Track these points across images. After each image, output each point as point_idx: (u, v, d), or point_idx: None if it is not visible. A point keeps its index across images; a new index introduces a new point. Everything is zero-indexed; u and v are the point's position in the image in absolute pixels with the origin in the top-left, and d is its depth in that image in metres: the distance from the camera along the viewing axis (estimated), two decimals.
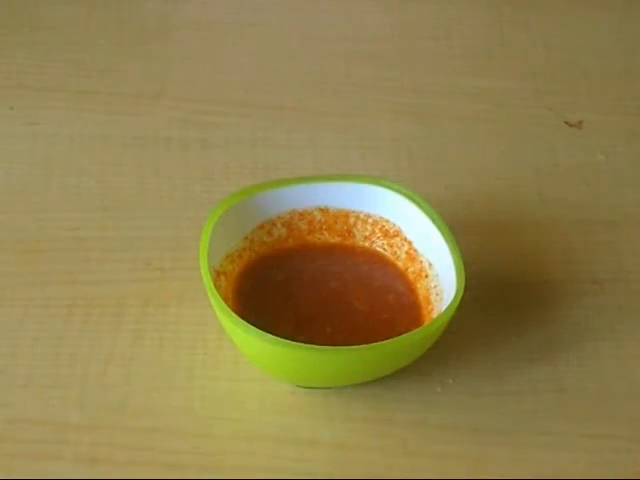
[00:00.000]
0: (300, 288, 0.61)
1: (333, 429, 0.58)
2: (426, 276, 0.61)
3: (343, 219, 0.63)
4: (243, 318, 0.54)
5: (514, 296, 0.65)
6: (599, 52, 0.83)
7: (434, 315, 0.58)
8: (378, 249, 0.63)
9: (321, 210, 0.63)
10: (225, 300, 0.56)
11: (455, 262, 0.58)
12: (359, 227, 0.64)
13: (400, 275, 0.62)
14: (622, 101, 0.79)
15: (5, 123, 0.74)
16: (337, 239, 0.64)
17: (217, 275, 0.59)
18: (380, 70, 0.80)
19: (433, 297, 0.60)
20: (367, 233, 0.64)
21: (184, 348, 0.61)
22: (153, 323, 0.62)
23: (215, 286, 0.56)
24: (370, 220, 0.63)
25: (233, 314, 0.55)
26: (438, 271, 0.60)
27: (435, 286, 0.60)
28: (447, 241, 0.59)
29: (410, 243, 0.62)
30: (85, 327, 0.62)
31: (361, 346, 0.54)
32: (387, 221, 0.63)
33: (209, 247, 0.57)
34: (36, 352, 0.60)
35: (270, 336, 0.54)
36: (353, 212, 0.63)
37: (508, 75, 0.81)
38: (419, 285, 0.61)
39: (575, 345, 0.63)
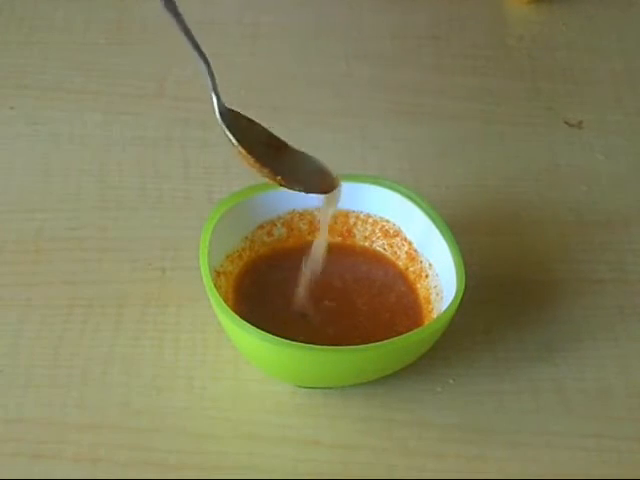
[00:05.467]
0: (300, 288, 0.61)
1: (333, 429, 0.58)
2: (426, 276, 0.61)
3: (343, 219, 0.63)
4: (243, 318, 0.54)
5: (514, 296, 0.65)
6: (599, 52, 0.83)
7: (434, 315, 0.58)
8: (378, 249, 0.63)
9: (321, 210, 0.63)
10: (225, 300, 0.56)
11: (455, 262, 0.58)
12: (359, 227, 0.64)
13: (400, 275, 0.62)
14: (622, 101, 0.79)
15: (5, 123, 0.74)
16: (337, 239, 0.64)
17: (217, 275, 0.59)
18: (380, 70, 0.80)
19: (433, 297, 0.60)
20: (367, 233, 0.64)
21: (184, 348, 0.61)
22: (153, 323, 0.62)
23: (215, 286, 0.56)
24: (370, 220, 0.63)
25: (233, 314, 0.55)
26: (438, 271, 0.60)
27: (435, 286, 0.60)
28: (447, 241, 0.59)
29: (410, 243, 0.62)
30: (85, 327, 0.62)
31: (361, 346, 0.54)
32: (387, 221, 0.63)
33: (209, 247, 0.57)
34: (36, 352, 0.60)
35: (270, 336, 0.54)
36: (353, 212, 0.63)
37: (508, 75, 0.81)
38: (419, 285, 0.61)
39: (575, 345, 0.63)
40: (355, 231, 0.64)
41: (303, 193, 0.57)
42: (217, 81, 0.61)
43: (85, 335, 0.61)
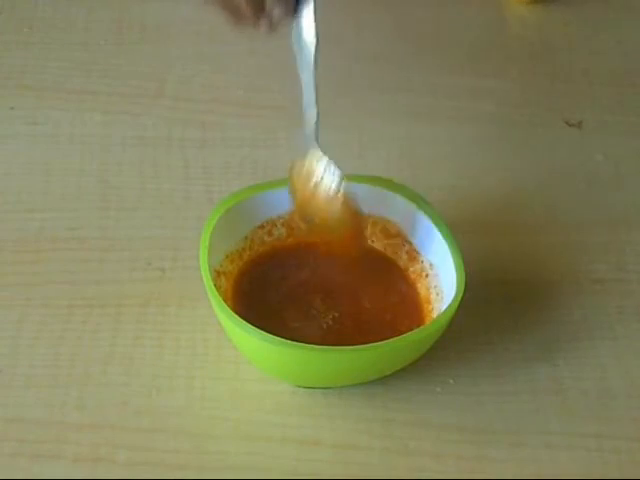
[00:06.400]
0: (300, 288, 0.61)
1: (333, 429, 0.58)
2: (426, 276, 0.61)
3: None
4: (243, 318, 0.54)
5: (514, 296, 0.65)
6: (599, 52, 0.83)
7: (434, 315, 0.58)
8: (378, 249, 0.63)
9: None
10: (225, 300, 0.56)
11: (455, 262, 0.58)
12: None
13: (401, 275, 0.62)
14: (622, 101, 0.79)
15: (5, 123, 0.74)
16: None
17: (217, 275, 0.59)
18: (380, 70, 0.80)
19: (433, 297, 0.60)
20: (367, 233, 0.63)
21: (184, 348, 0.61)
22: (153, 323, 0.62)
23: (215, 286, 0.56)
24: (370, 220, 0.63)
25: (233, 314, 0.55)
26: (438, 271, 0.60)
27: (435, 286, 0.60)
28: (447, 241, 0.59)
29: (410, 243, 0.62)
30: (85, 327, 0.62)
31: (361, 346, 0.54)
32: (387, 221, 0.63)
33: (209, 247, 0.57)
34: (36, 352, 0.60)
35: (270, 336, 0.54)
36: None
37: (508, 75, 0.81)
38: (419, 285, 0.61)
39: (575, 345, 0.63)
40: None
41: None
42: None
43: (85, 335, 0.61)
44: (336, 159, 0.72)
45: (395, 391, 0.60)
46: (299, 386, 0.59)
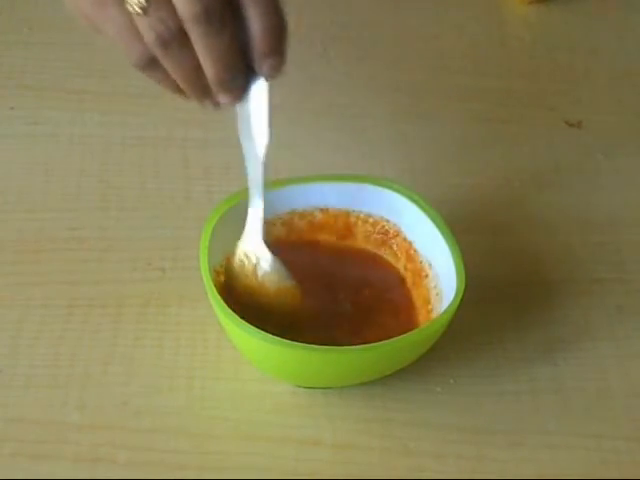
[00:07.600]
0: (300, 288, 0.61)
1: (333, 429, 0.58)
2: (426, 276, 0.61)
3: (343, 219, 0.63)
4: (243, 318, 0.54)
5: (514, 296, 0.65)
6: (599, 52, 0.83)
7: (434, 315, 0.58)
8: (378, 249, 0.63)
9: (321, 210, 0.63)
10: (225, 300, 0.56)
11: (455, 262, 0.58)
12: (359, 227, 0.64)
13: (400, 275, 0.62)
14: (622, 101, 0.79)
15: (5, 123, 0.74)
16: (337, 239, 0.64)
17: (217, 275, 0.59)
18: (381, 70, 0.80)
19: (433, 297, 0.60)
20: (367, 233, 0.64)
21: (184, 348, 0.61)
22: (153, 323, 0.62)
23: (215, 286, 0.56)
24: (370, 220, 0.63)
25: (233, 314, 0.55)
26: (438, 271, 0.60)
27: (435, 286, 0.60)
28: (447, 241, 0.59)
29: (410, 243, 0.62)
30: (85, 327, 0.62)
31: (361, 346, 0.54)
32: (387, 221, 0.63)
33: (209, 247, 0.57)
34: (36, 352, 0.60)
35: (270, 336, 0.53)
36: (353, 212, 0.63)
37: (508, 75, 0.81)
38: (419, 285, 0.61)
39: (575, 345, 0.63)
40: (355, 231, 0.64)
41: None
42: None
43: (85, 335, 0.61)
44: (336, 159, 0.73)
45: (395, 391, 0.60)
46: (299, 386, 0.59)
